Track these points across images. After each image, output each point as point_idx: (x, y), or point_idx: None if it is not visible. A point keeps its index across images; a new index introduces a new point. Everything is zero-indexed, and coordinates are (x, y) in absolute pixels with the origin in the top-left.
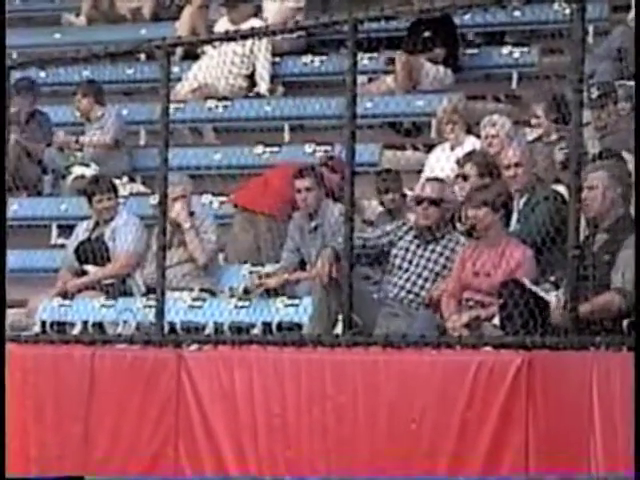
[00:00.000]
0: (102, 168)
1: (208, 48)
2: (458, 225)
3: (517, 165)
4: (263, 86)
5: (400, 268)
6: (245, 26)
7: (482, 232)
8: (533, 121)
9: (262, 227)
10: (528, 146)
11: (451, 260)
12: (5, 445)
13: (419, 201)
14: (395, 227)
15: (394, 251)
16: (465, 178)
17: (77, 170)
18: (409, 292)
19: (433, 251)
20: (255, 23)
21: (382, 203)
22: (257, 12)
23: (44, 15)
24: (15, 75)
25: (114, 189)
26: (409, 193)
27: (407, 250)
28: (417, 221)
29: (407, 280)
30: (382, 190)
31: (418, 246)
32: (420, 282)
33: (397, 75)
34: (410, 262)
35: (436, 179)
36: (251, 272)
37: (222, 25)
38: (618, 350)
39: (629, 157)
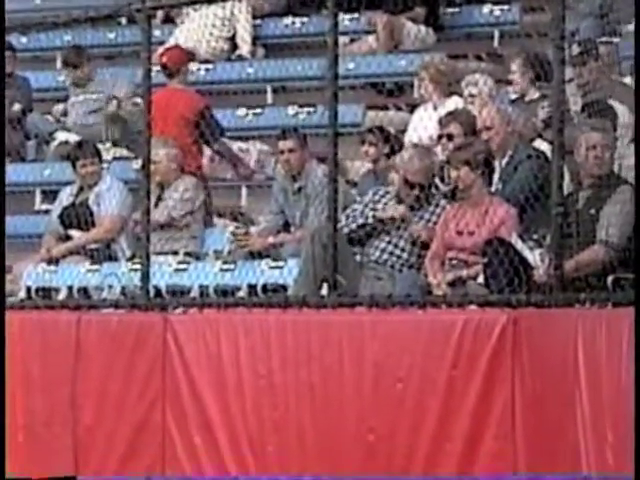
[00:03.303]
0: (85, 132)
1: (188, 11)
2: (441, 186)
3: (488, 129)
4: (245, 48)
5: (383, 231)
6: None
7: (465, 192)
8: (510, 77)
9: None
10: (510, 105)
11: (430, 221)
12: (5, 445)
13: (404, 182)
14: (373, 195)
15: (375, 214)
16: (450, 137)
17: (61, 136)
18: (391, 254)
19: (415, 215)
20: None
21: (366, 153)
22: None
23: None
24: None
25: (98, 154)
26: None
27: (389, 217)
28: (400, 194)
29: (388, 243)
30: (368, 143)
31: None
32: (400, 243)
33: (378, 35)
34: (393, 226)
35: (420, 153)
36: (235, 233)
37: None
38: (603, 306)
39: (619, 107)
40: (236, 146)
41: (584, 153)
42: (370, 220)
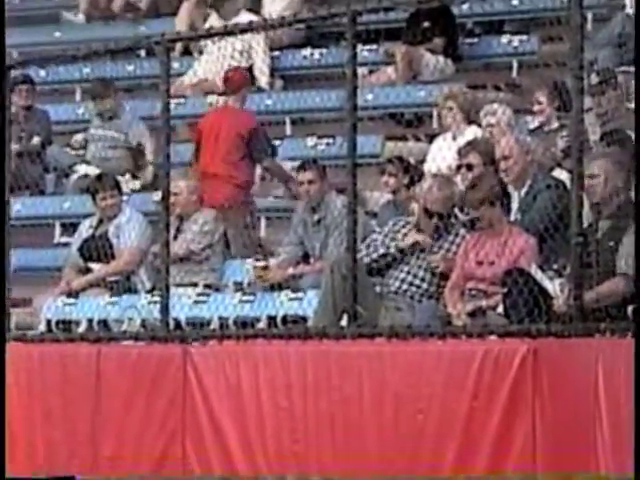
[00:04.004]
0: (105, 165)
1: (206, 44)
2: (460, 216)
3: (507, 158)
4: (263, 80)
5: (402, 262)
6: (236, 20)
7: (485, 225)
8: (535, 108)
9: (227, 220)
10: (530, 135)
11: (449, 251)
12: (5, 445)
13: (425, 211)
14: (393, 225)
15: (393, 245)
16: (469, 167)
17: (80, 169)
18: (410, 284)
19: (434, 244)
20: (247, 17)
21: (386, 184)
22: (254, 7)
23: (43, 13)
24: (15, 74)
25: (117, 186)
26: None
27: (410, 245)
28: (420, 223)
29: (408, 273)
30: (387, 174)
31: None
32: (420, 274)
33: (397, 66)
34: (412, 256)
35: (440, 183)
36: (255, 267)
37: (212, 21)
38: (623, 336)
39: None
40: (288, 165)
41: (588, 182)
42: (391, 250)
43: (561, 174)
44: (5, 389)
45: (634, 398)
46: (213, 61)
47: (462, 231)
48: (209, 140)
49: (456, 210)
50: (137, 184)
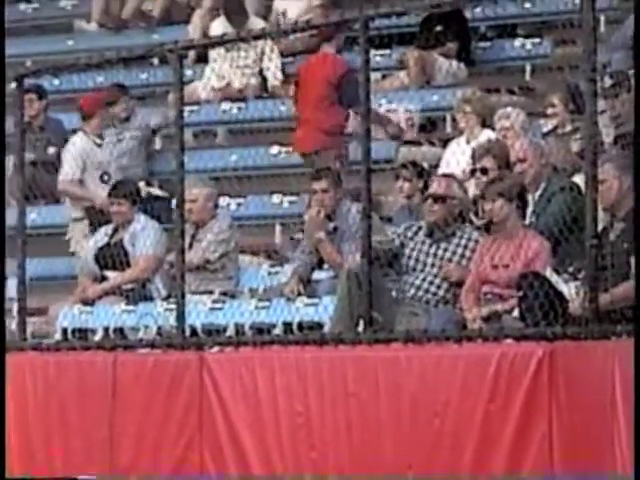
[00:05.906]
0: (119, 174)
1: (216, 51)
2: (475, 220)
3: (522, 161)
4: (275, 82)
5: (415, 268)
6: (248, 26)
7: (499, 225)
8: (549, 111)
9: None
10: (544, 138)
11: (463, 256)
12: (5, 445)
13: (426, 197)
14: (406, 229)
15: (407, 251)
16: (484, 171)
17: None
18: (426, 291)
19: (446, 250)
20: (258, 23)
21: (400, 189)
22: (266, 13)
23: (56, 22)
24: (28, 82)
25: (132, 194)
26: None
27: (420, 250)
28: (425, 218)
29: (423, 280)
30: (402, 179)
31: (430, 245)
32: (435, 281)
33: (410, 71)
34: (424, 262)
35: (445, 175)
36: (269, 273)
37: (219, 28)
38: None
39: None
40: (383, 108)
41: (603, 184)
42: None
43: (577, 177)
44: (5, 390)
45: (634, 398)
46: (227, 68)
47: (475, 235)
48: (304, 87)
49: (471, 215)
50: (152, 191)
